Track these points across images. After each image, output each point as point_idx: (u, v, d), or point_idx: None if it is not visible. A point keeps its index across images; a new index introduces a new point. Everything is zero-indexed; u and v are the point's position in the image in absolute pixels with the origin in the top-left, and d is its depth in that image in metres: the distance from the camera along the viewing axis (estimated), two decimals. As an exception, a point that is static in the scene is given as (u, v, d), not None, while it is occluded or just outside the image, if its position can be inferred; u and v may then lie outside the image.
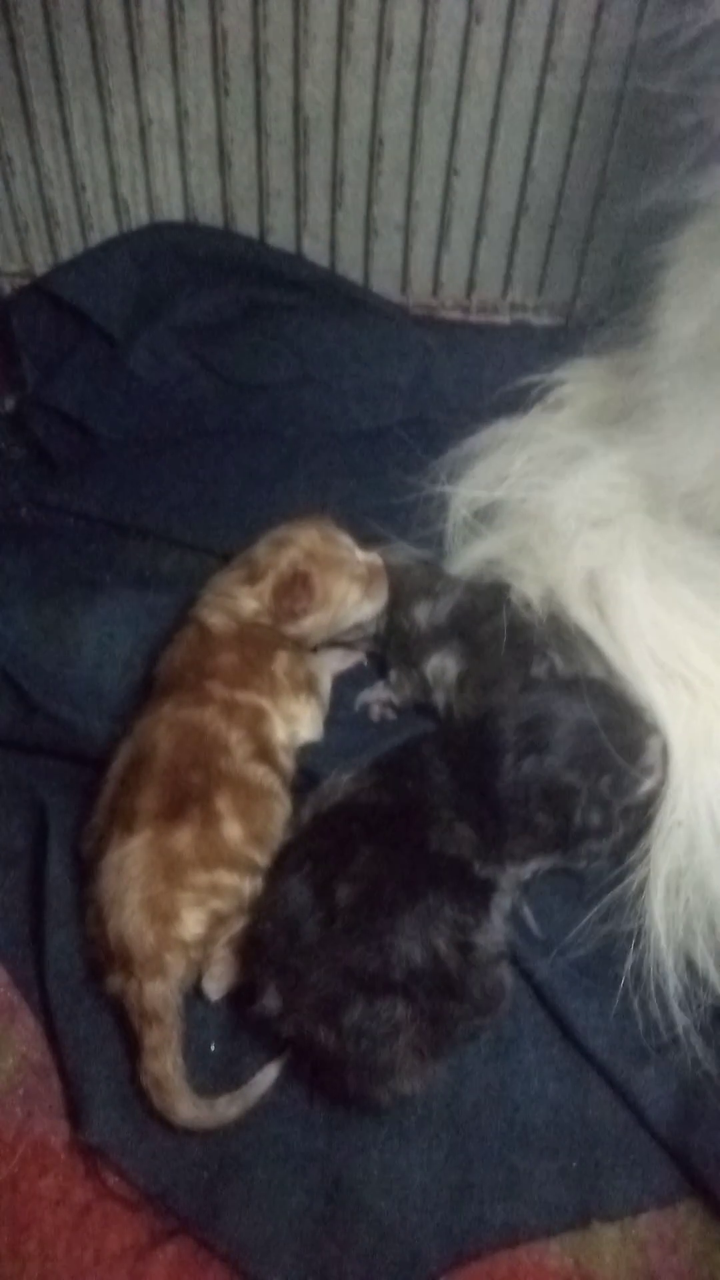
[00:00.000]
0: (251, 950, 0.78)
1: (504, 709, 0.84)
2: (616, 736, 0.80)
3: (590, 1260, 0.71)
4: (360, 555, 0.95)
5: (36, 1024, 0.80)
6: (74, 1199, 0.72)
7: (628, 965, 0.79)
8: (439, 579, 0.99)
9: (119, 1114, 0.75)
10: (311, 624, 0.93)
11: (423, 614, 0.96)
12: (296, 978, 0.73)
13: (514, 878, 0.80)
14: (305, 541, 0.93)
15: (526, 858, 0.81)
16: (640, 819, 0.83)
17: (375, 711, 0.98)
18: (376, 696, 0.98)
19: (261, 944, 0.76)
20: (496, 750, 0.80)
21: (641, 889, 0.82)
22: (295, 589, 0.91)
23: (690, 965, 0.79)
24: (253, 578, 0.93)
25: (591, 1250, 0.72)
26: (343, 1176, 0.73)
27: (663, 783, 0.82)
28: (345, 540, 0.95)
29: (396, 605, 0.97)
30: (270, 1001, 0.74)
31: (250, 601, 0.92)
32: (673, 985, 0.78)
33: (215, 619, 0.92)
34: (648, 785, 0.82)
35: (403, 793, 0.80)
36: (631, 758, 0.81)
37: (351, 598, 0.94)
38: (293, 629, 0.92)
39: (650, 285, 0.90)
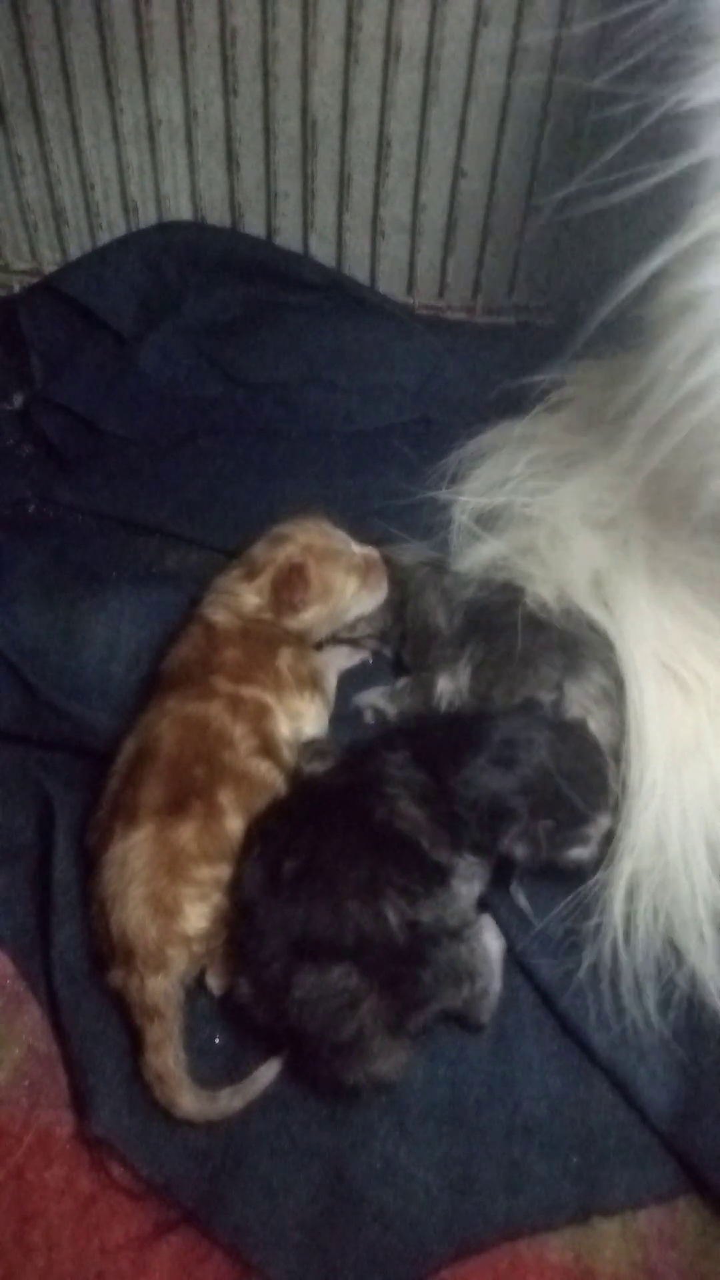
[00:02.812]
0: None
1: (499, 715, 0.84)
2: (578, 790, 0.80)
3: (590, 1254, 0.71)
4: (357, 548, 0.96)
5: (43, 1015, 0.80)
6: (79, 1189, 0.73)
7: (589, 962, 0.79)
8: (448, 576, 0.99)
9: (124, 1105, 0.75)
10: (312, 616, 0.94)
11: (440, 615, 0.96)
12: (256, 957, 0.74)
13: (474, 865, 0.80)
14: (302, 537, 0.94)
15: (476, 853, 0.80)
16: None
17: (369, 715, 0.98)
18: (371, 701, 0.98)
19: (229, 930, 0.77)
20: (474, 747, 0.80)
21: (605, 885, 0.82)
22: (293, 581, 0.91)
23: (652, 964, 0.79)
24: (252, 574, 0.93)
25: (592, 1245, 0.72)
26: (345, 1169, 0.74)
27: (596, 857, 0.81)
28: (341, 535, 0.96)
29: (407, 604, 0.97)
30: (243, 988, 0.74)
31: (251, 597, 0.93)
32: (626, 984, 0.78)
33: (219, 616, 0.92)
34: (576, 851, 0.81)
35: (359, 774, 0.81)
36: (579, 819, 0.80)
37: (349, 589, 0.95)
38: (294, 623, 0.93)
39: (648, 290, 0.90)
